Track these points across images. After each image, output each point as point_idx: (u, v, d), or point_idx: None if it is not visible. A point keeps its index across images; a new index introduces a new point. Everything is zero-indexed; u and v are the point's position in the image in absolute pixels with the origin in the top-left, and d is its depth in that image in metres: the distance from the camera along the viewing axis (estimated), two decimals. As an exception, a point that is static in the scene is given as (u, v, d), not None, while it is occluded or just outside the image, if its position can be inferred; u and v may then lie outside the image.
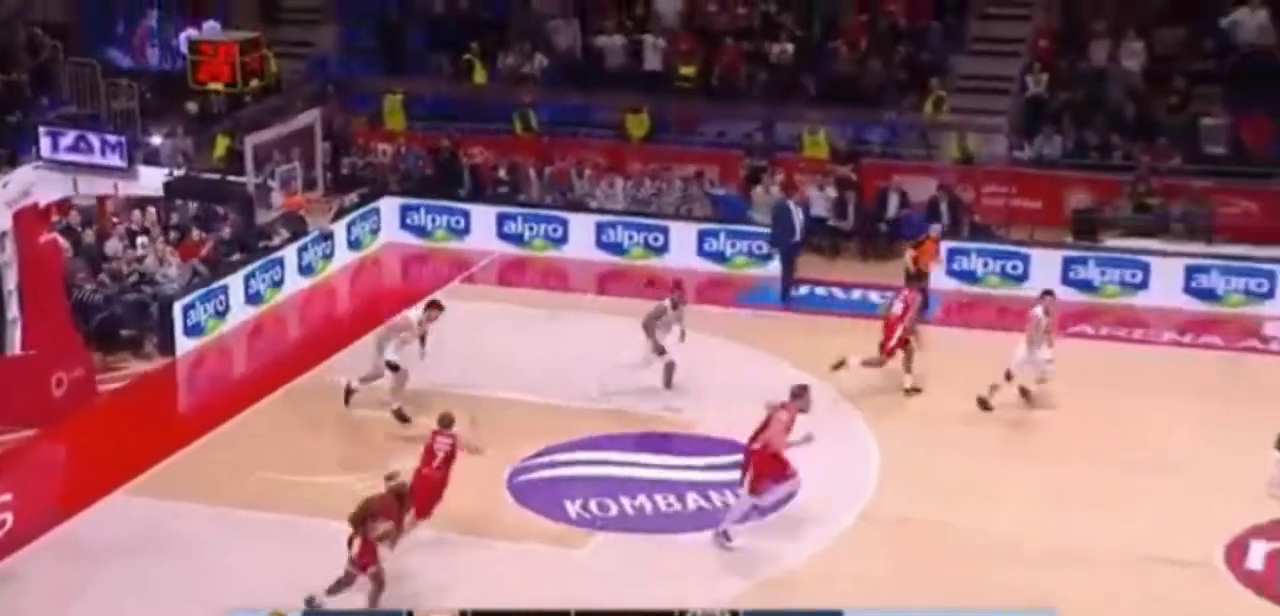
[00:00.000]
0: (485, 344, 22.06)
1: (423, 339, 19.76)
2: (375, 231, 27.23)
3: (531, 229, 26.98)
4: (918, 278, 22.45)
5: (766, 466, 16.51)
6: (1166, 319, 23.32)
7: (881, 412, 19.81)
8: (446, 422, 16.54)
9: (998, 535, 16.60)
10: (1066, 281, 24.20)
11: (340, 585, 14.88)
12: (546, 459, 18.41)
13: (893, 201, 26.62)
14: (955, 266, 24.90)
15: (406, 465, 16.77)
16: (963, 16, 29.81)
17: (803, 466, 16.61)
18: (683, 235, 26.20)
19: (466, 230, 27.25)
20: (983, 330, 22.54)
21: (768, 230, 25.35)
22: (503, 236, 27.04)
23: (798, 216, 24.66)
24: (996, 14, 29.61)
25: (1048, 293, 20.37)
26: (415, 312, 19.93)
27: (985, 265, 24.92)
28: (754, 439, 16.62)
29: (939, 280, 24.52)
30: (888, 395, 20.22)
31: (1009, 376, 19.56)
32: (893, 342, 20.32)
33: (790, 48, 29.49)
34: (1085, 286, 24.00)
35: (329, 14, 33.00)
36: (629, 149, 28.83)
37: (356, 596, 14.88)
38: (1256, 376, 21.26)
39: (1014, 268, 24.71)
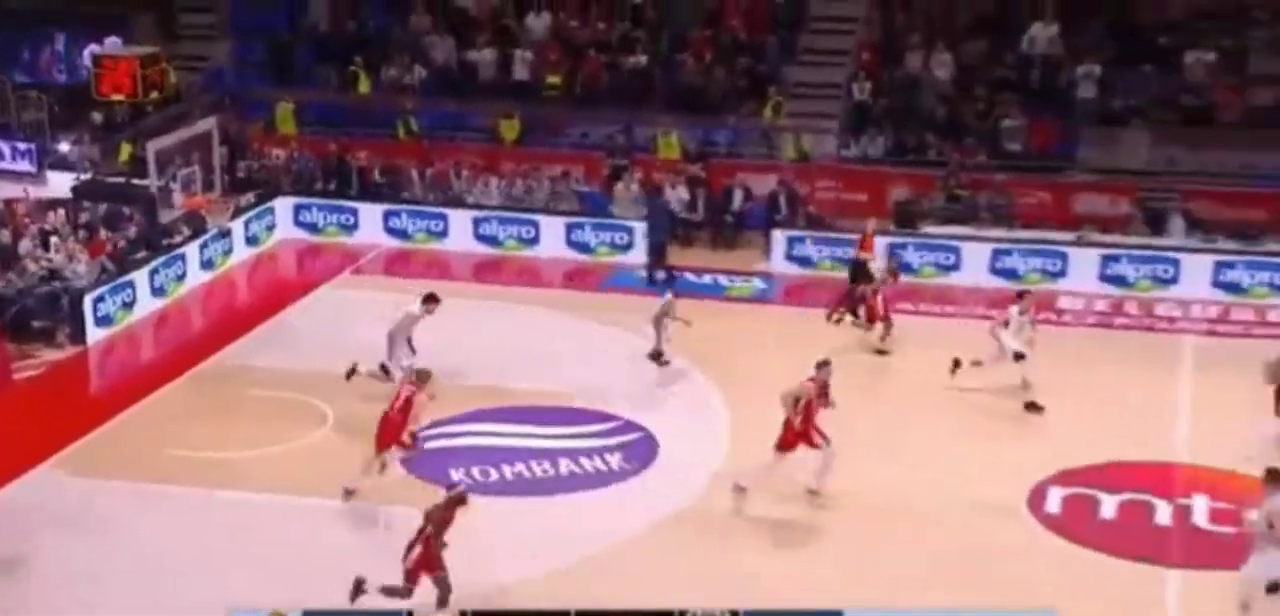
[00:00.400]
0: (373, 330, 21.93)
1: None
2: (271, 228, 26.87)
3: (415, 224, 26.84)
4: (860, 265, 22.58)
5: (805, 437, 16.33)
6: (976, 296, 23.74)
7: (727, 378, 19.91)
8: (423, 378, 16.51)
9: (833, 492, 16.56)
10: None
11: (394, 591, 13.77)
12: (433, 431, 18.37)
13: (737, 196, 26.92)
14: (794, 253, 25.25)
15: (308, 436, 16.68)
16: (796, 31, 30.14)
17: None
18: (552, 228, 26.25)
19: (355, 226, 27.00)
20: (818, 308, 22.91)
21: (627, 223, 25.65)
22: (388, 231, 26.86)
23: (670, 210, 24.94)
24: (825, 29, 29.94)
25: (1022, 294, 20.18)
26: (415, 306, 19.37)
27: (819, 251, 25.26)
28: (803, 415, 16.27)
29: (778, 264, 24.98)
30: (729, 361, 20.32)
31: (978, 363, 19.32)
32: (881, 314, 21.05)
33: (645, 59, 29.68)
34: (906, 269, 24.39)
35: (223, 31, 32.43)
36: (502, 151, 28.76)
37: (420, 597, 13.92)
38: (1051, 345, 21.73)
39: (844, 254, 24.92)
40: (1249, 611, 13.84)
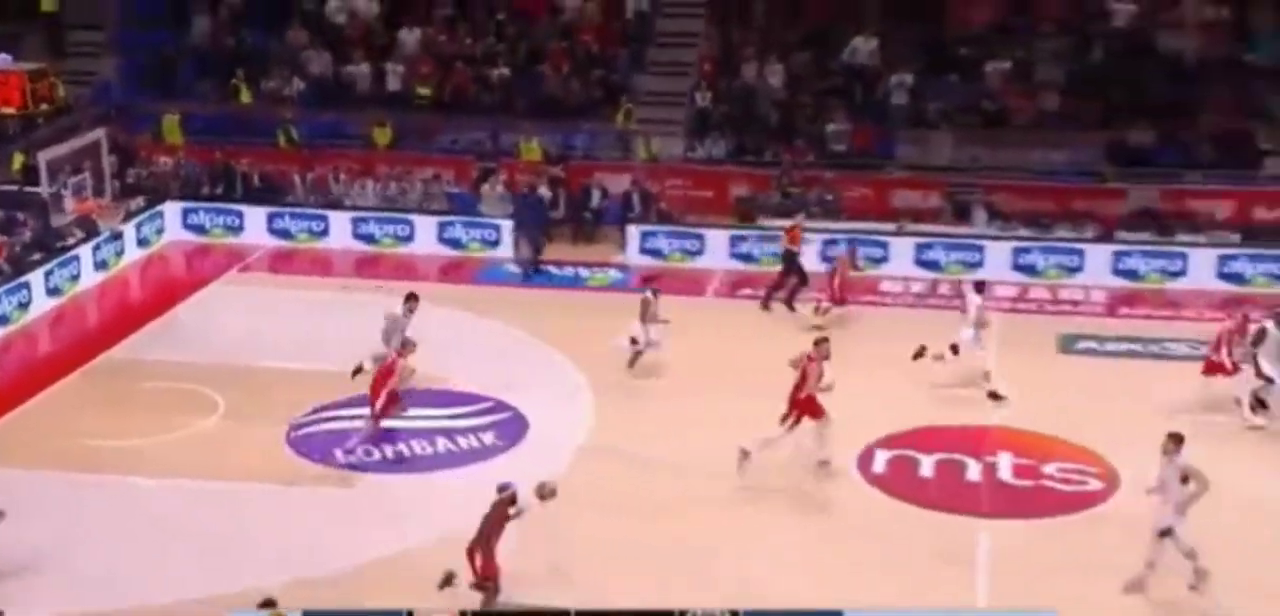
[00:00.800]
0: (260, 322, 21.56)
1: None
2: (160, 231, 26.18)
3: (297, 225, 26.36)
4: (790, 256, 22.53)
5: (808, 408, 16.33)
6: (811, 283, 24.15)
7: (589, 362, 19.88)
8: (407, 346, 17.30)
9: (686, 462, 16.64)
10: (733, 255, 24.97)
11: (482, 588, 13.30)
12: (318, 415, 18.13)
13: (595, 195, 26.91)
14: (647, 245, 25.32)
15: (201, 423, 16.33)
16: (644, 45, 30.20)
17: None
18: (425, 226, 25.99)
19: (241, 228, 26.43)
20: (670, 296, 22.95)
21: (495, 220, 25.52)
22: (272, 232, 26.34)
23: (544, 205, 24.95)
24: (669, 43, 29.94)
25: (980, 284, 19.67)
26: (398, 309, 18.80)
27: (670, 244, 25.39)
28: (798, 389, 16.26)
29: (633, 256, 25.08)
30: (591, 345, 20.26)
31: (955, 350, 18.99)
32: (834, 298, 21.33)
33: (507, 71, 29.50)
34: (747, 259, 24.69)
35: (110, 48, 31.37)
36: (377, 156, 28.29)
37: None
38: (876, 323, 21.98)
39: (692, 245, 25.30)
40: (1154, 569, 13.92)
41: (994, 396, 18.59)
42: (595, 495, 15.65)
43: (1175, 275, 23.42)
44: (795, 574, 14.22)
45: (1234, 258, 23.50)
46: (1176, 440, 13.76)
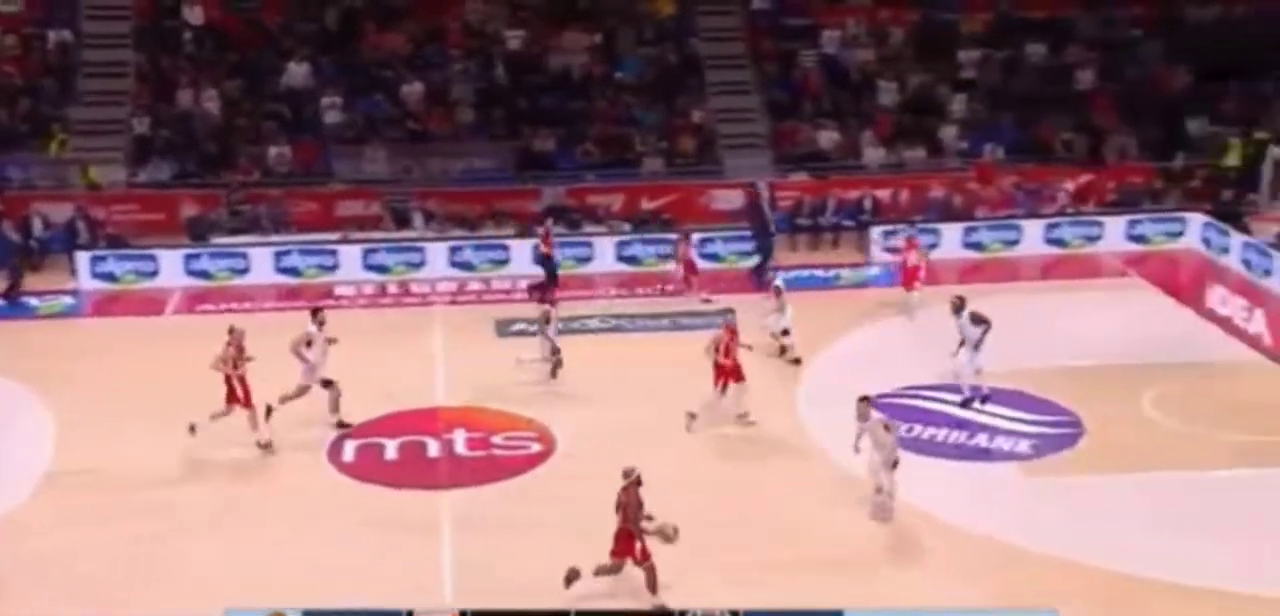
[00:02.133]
0: None
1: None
2: None
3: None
4: (546, 260, 22.85)
5: (734, 373, 17.30)
6: (265, 291, 23.73)
7: (51, 389, 18.59)
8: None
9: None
10: (189, 272, 24.23)
11: (652, 584, 13.07)
12: None
13: (37, 223, 25.07)
14: (98, 270, 23.97)
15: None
16: (71, 76, 28.24)
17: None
18: None
19: None
20: (128, 317, 21.87)
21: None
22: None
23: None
24: (98, 73, 28.24)
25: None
26: (311, 326, 17.58)
27: (122, 267, 24.16)
28: (725, 356, 17.18)
29: (86, 282, 23.66)
30: (51, 371, 19.00)
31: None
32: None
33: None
34: (203, 275, 23.97)
35: None
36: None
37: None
38: (335, 327, 22.03)
39: (146, 267, 24.20)
40: (881, 493, 14.96)
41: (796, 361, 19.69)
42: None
43: (585, 260, 25.22)
44: (277, 564, 14.13)
45: (628, 243, 25.71)
46: (866, 402, 15.11)
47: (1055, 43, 30.46)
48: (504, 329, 21.70)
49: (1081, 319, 21.18)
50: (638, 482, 13.32)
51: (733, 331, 17.55)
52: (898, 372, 19.06)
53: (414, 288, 24.32)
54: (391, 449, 17.26)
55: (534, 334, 19.83)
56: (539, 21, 30.10)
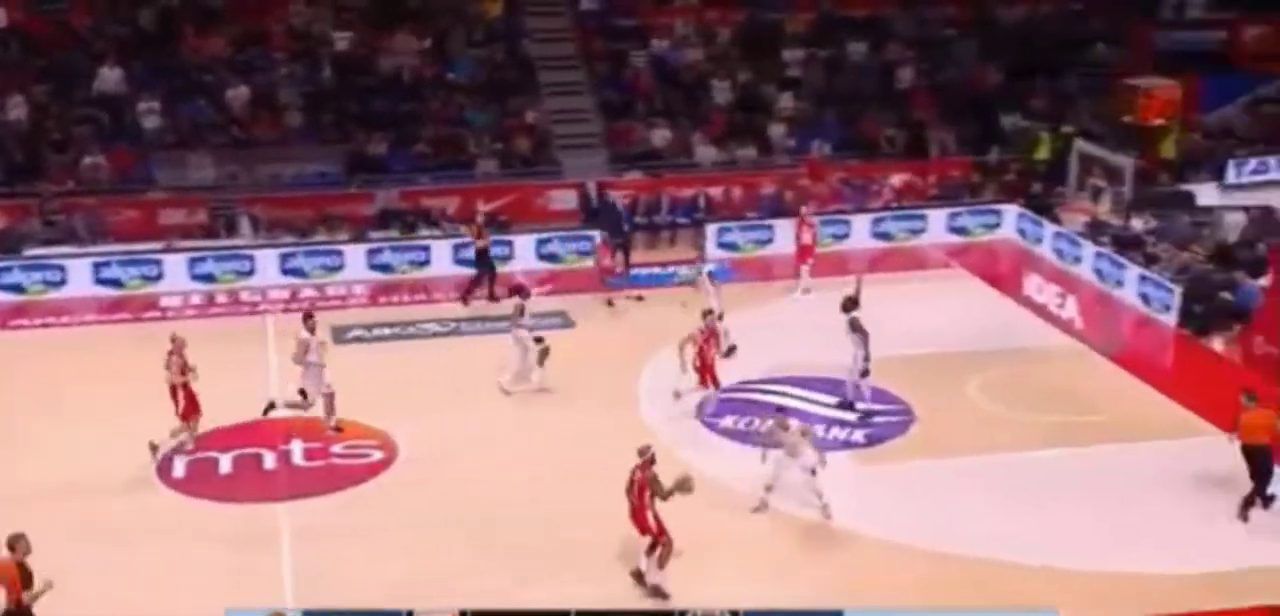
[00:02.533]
0: None
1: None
2: None
3: None
4: (481, 253, 22.98)
5: (707, 371, 17.84)
6: (84, 305, 22.86)
7: None
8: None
9: None
10: (0, 287, 23.10)
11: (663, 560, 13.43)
12: None
13: None
14: None
15: None
16: None
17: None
18: None
19: None
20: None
21: None
22: None
23: None
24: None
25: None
26: (303, 332, 17.46)
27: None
28: (703, 353, 17.74)
29: None
30: None
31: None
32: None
33: None
34: (16, 289, 22.87)
35: None
36: None
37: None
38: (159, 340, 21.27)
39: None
40: (772, 491, 15.38)
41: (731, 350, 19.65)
42: None
43: (422, 265, 24.85)
44: (104, 588, 13.68)
45: (466, 245, 25.05)
46: (782, 411, 15.96)
47: (875, 41, 31.40)
48: (340, 336, 21.27)
49: (909, 310, 21.88)
50: (651, 461, 13.37)
51: (709, 331, 18.03)
52: (735, 367, 19.40)
53: (244, 295, 23.72)
54: (226, 462, 16.92)
55: (372, 340, 19.47)
56: (365, 23, 29.55)
